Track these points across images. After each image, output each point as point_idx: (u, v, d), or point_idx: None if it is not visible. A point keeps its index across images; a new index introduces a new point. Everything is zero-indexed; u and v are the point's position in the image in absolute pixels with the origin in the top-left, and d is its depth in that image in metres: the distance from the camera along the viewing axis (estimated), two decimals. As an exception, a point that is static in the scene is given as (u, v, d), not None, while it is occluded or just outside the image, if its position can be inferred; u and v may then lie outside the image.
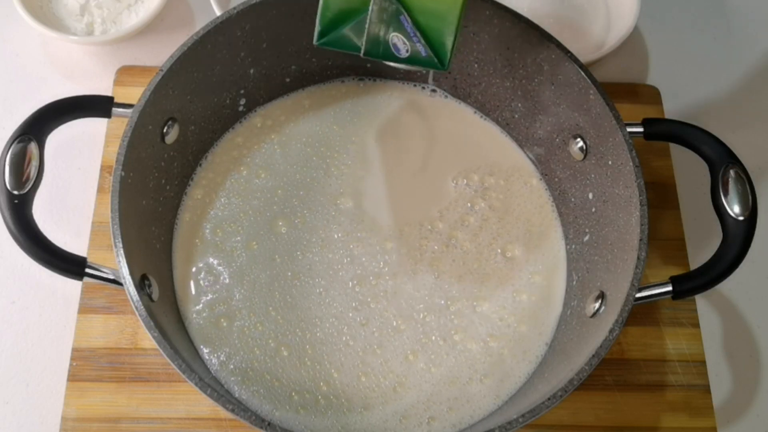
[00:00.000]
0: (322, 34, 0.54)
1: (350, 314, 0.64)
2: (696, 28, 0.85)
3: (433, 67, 0.54)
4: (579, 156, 0.65)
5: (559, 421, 0.63)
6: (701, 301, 0.70)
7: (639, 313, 0.66)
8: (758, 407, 0.67)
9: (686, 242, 0.71)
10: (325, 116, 0.72)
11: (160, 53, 0.77)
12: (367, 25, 0.53)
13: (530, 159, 0.71)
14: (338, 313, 0.64)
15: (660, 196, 0.72)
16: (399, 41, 0.53)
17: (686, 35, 0.84)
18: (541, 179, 0.70)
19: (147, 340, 0.62)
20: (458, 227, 0.68)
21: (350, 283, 0.65)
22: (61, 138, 0.63)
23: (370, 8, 0.52)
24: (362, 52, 0.54)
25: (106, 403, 0.62)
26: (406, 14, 0.52)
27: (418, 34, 0.53)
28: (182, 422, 0.62)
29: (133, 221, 0.57)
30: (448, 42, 0.53)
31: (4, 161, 0.55)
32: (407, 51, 0.54)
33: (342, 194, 0.69)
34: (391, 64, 0.56)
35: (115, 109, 0.59)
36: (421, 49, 0.53)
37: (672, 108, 0.78)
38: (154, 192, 0.62)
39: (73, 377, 0.62)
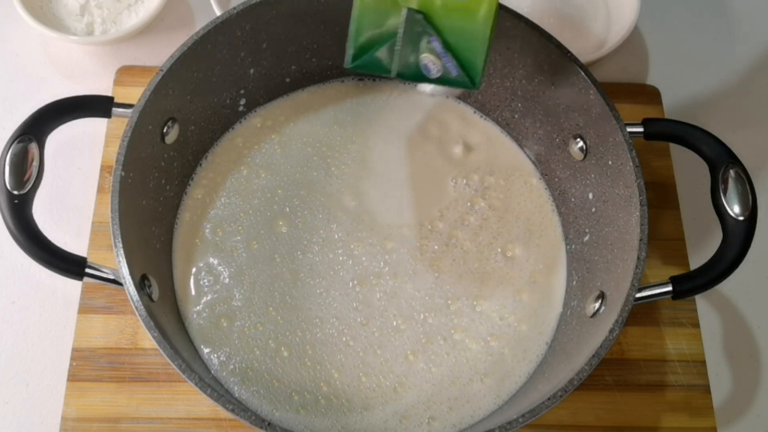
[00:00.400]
0: (354, 57, 0.55)
1: (351, 314, 0.64)
2: (696, 28, 0.85)
3: (464, 86, 0.55)
4: (579, 156, 0.65)
5: (559, 421, 0.63)
6: (701, 301, 0.70)
7: (639, 313, 0.66)
8: (758, 407, 0.67)
9: (686, 242, 0.71)
10: (325, 116, 0.72)
11: (160, 53, 0.77)
12: (398, 48, 0.54)
13: (530, 159, 0.71)
14: (339, 313, 0.64)
15: (660, 196, 0.72)
16: (430, 62, 0.54)
17: (686, 35, 0.84)
18: (540, 179, 0.70)
19: (147, 340, 0.62)
20: (458, 227, 0.68)
21: (351, 283, 0.65)
22: (61, 138, 0.63)
23: (400, 31, 0.53)
24: (394, 74, 0.55)
25: (106, 403, 0.62)
26: (436, 35, 0.52)
27: (448, 54, 0.53)
28: (182, 422, 0.62)
29: (133, 221, 0.57)
30: (479, 61, 0.53)
31: (4, 161, 0.55)
32: (438, 71, 0.54)
33: (342, 194, 0.69)
34: (422, 87, 0.55)
35: (115, 109, 0.59)
36: (452, 68, 0.54)
37: (672, 108, 0.78)
38: (154, 192, 0.62)
39: (73, 377, 0.62)
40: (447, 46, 0.53)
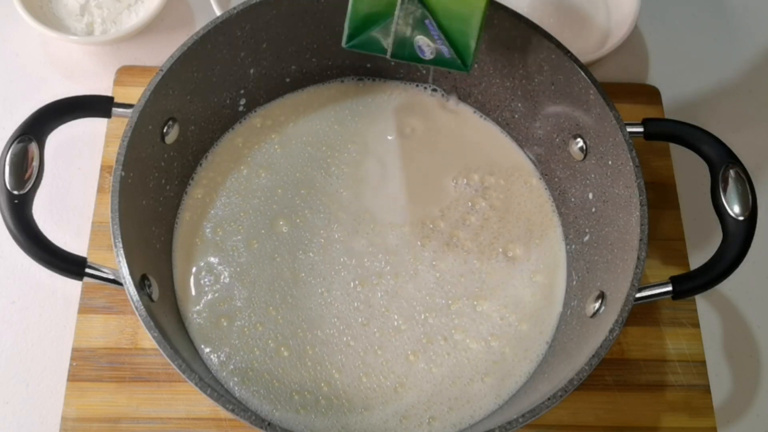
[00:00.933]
0: (350, 37, 0.57)
1: (351, 314, 0.64)
2: (696, 28, 0.85)
3: (457, 68, 0.56)
4: (579, 156, 0.65)
5: (559, 421, 0.63)
6: (701, 301, 0.70)
7: (639, 313, 0.66)
8: (758, 407, 0.67)
9: (686, 242, 0.71)
10: (325, 116, 0.72)
11: (160, 53, 0.77)
12: (393, 28, 0.55)
13: (530, 159, 0.71)
14: (339, 313, 0.63)
15: (660, 196, 0.72)
16: (424, 43, 0.55)
17: (686, 35, 0.84)
18: (540, 179, 0.70)
19: (147, 340, 0.62)
20: (459, 226, 0.68)
21: (352, 283, 0.65)
22: (61, 138, 0.63)
23: (396, 12, 0.54)
24: (389, 54, 0.56)
25: (106, 403, 0.62)
26: (430, 17, 0.54)
27: (442, 36, 0.55)
28: (182, 422, 0.62)
29: (133, 221, 0.57)
30: (471, 44, 0.55)
31: (4, 161, 0.55)
32: (432, 53, 0.56)
33: (343, 193, 0.69)
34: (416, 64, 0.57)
35: (115, 109, 0.59)
36: (445, 50, 0.55)
37: (672, 108, 0.78)
38: (154, 192, 0.62)
39: (73, 377, 0.62)
40: (441, 29, 0.55)
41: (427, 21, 0.54)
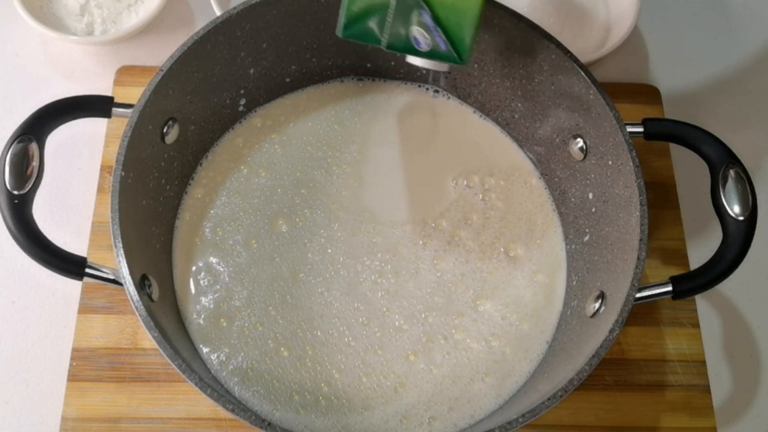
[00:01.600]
0: (346, 27, 0.56)
1: (352, 314, 0.63)
2: (696, 28, 0.85)
3: (453, 61, 0.56)
4: (579, 156, 0.65)
5: (559, 421, 0.63)
6: (701, 301, 0.70)
7: (639, 313, 0.66)
8: (758, 407, 0.67)
9: (686, 242, 0.71)
10: (325, 116, 0.72)
11: (160, 53, 0.77)
12: (389, 19, 0.55)
13: (530, 159, 0.71)
14: (339, 313, 0.63)
15: (660, 196, 0.72)
16: (420, 35, 0.55)
17: (686, 35, 0.84)
18: (540, 179, 0.70)
19: (147, 340, 0.62)
20: (461, 226, 0.68)
21: (352, 283, 0.65)
22: (61, 138, 0.63)
23: (393, 3, 0.54)
24: (384, 45, 0.56)
25: (106, 403, 0.62)
26: (427, 9, 0.54)
27: (438, 28, 0.54)
28: (182, 422, 0.62)
29: (133, 221, 0.57)
30: (468, 37, 0.55)
31: (4, 161, 0.55)
32: (428, 45, 0.55)
33: (343, 193, 0.69)
34: (412, 59, 0.57)
35: (115, 109, 0.59)
36: (441, 43, 0.55)
37: (672, 108, 0.78)
38: (154, 192, 0.62)
39: (73, 377, 0.62)
40: (437, 21, 0.54)
41: (423, 12, 0.54)
